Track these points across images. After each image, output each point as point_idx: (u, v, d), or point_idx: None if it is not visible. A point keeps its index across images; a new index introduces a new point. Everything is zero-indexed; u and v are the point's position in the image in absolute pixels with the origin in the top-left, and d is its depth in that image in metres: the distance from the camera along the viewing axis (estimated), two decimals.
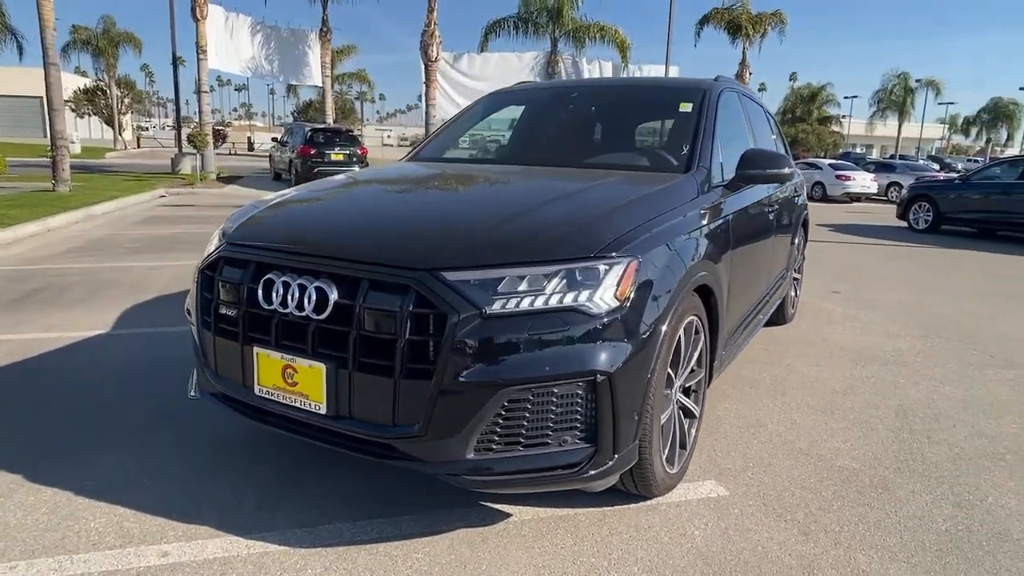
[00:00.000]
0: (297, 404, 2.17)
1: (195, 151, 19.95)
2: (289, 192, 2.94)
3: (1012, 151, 56.23)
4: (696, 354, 2.65)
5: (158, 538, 2.25)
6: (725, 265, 2.86)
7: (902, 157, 34.72)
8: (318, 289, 2.08)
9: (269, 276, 2.17)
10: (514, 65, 26.52)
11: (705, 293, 2.63)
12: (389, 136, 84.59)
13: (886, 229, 13.25)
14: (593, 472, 2.08)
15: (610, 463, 2.10)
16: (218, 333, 2.36)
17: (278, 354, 2.17)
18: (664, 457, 2.43)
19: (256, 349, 2.22)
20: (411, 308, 1.95)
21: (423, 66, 21.41)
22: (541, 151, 3.51)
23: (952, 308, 6.20)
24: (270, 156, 22.07)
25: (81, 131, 39.68)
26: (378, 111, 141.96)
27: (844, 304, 6.17)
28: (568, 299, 1.99)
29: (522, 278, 2.00)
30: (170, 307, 5.25)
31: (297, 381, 2.15)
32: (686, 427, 2.68)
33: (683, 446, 2.65)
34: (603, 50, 28.65)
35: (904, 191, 13.67)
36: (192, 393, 2.63)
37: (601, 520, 2.42)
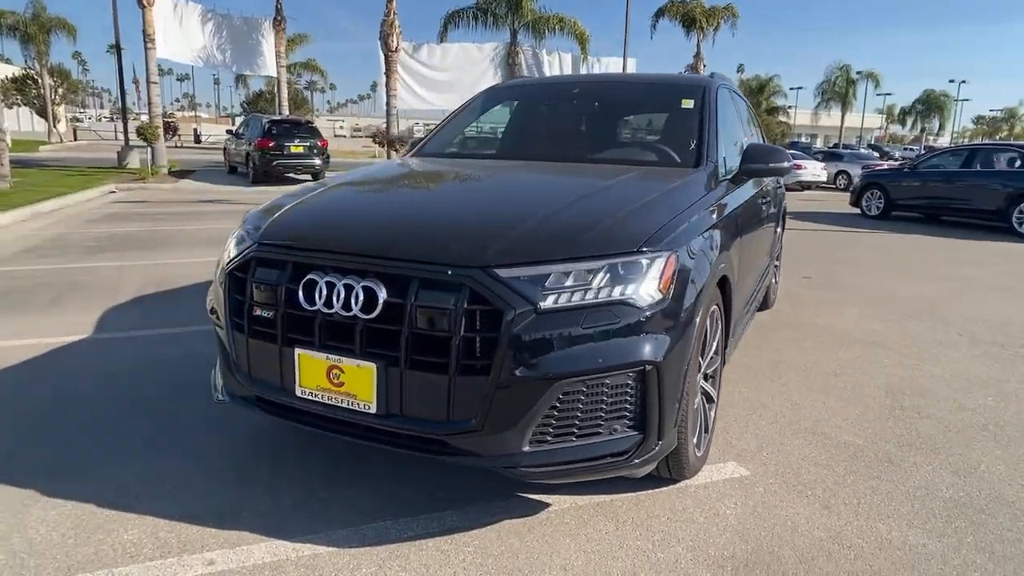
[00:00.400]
0: (344, 404, 2.18)
1: (144, 144, 19.23)
2: (309, 190, 2.92)
3: (944, 140, 58.93)
4: (715, 341, 2.76)
5: (199, 546, 2.23)
6: (735, 255, 2.98)
7: (845, 146, 35.97)
8: (366, 289, 2.09)
9: (311, 277, 2.17)
10: (474, 56, 26.40)
11: (722, 283, 2.74)
12: (341, 127, 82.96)
13: (841, 216, 13.77)
14: (640, 459, 2.16)
15: (655, 449, 2.18)
16: (252, 335, 2.34)
17: (322, 355, 2.18)
18: (693, 441, 2.54)
19: (298, 350, 2.22)
20: (466, 305, 1.99)
21: (383, 56, 21.11)
22: (549, 147, 3.55)
23: (913, 290, 6.53)
24: (225, 149, 21.44)
25: (9, 122, 37.63)
26: (328, 101, 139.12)
27: (816, 289, 6.43)
28: (615, 293, 2.06)
29: (568, 273, 2.05)
30: (150, 309, 5.12)
31: (344, 381, 2.16)
32: (707, 411, 2.79)
33: (706, 430, 2.76)
34: (563, 42, 28.67)
35: (857, 179, 14.23)
36: (220, 397, 2.61)
37: (637, 505, 2.51)
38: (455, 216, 2.46)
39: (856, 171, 19.54)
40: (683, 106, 3.51)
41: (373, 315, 2.08)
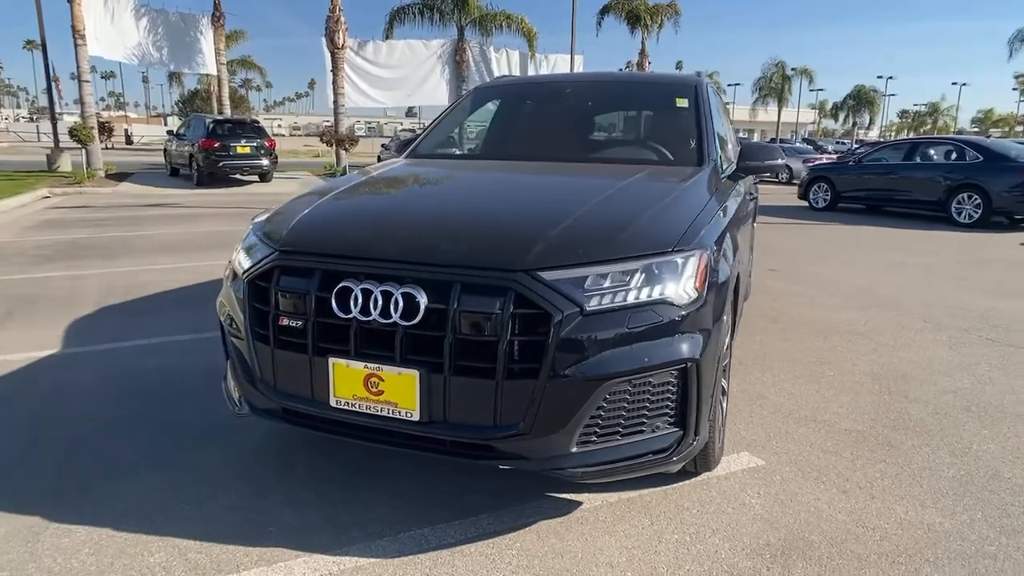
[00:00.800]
0: (384, 413, 2.14)
1: (77, 146, 18.30)
2: (318, 195, 2.84)
3: (873, 133, 61.79)
4: (728, 336, 2.83)
5: (234, 566, 2.16)
6: (741, 250, 3.06)
7: (782, 141, 37.31)
8: (405, 295, 2.06)
9: (345, 284, 2.12)
10: (421, 53, 26.18)
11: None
12: (279, 125, 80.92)
13: (789, 208, 14.27)
14: (680, 455, 2.20)
15: (693, 444, 2.23)
16: (279, 346, 2.27)
17: (360, 363, 2.13)
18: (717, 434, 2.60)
19: (332, 360, 2.17)
20: (512, 309, 1.98)
21: (328, 53, 20.71)
22: (550, 147, 3.56)
23: (872, 280, 6.83)
24: (165, 150, 20.61)
25: None
26: (265, 100, 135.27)
27: (784, 281, 6.66)
28: (655, 292, 2.09)
29: (605, 275, 2.07)
30: (120, 320, 4.90)
31: (383, 390, 2.12)
32: (723, 404, 2.86)
33: (722, 423, 2.83)
34: (510, 39, 28.75)
35: (804, 173, 14.77)
36: (240, 411, 2.52)
37: (666, 499, 2.56)
38: (489, 220, 2.44)
39: (796, 165, 20.24)
40: (678, 105, 3.58)
41: (414, 322, 2.05)
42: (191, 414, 3.25)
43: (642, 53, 31.18)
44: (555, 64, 31.81)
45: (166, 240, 8.64)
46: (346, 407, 2.19)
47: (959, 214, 11.34)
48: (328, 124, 26.18)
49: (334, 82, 21.17)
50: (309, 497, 2.55)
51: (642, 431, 2.14)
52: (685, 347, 2.12)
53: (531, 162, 3.36)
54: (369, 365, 2.12)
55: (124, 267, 6.81)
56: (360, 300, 2.10)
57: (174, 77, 54.02)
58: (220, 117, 18.73)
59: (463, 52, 27.85)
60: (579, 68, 30.05)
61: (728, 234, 2.70)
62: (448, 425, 2.10)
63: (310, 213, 2.56)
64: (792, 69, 50.77)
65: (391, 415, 2.14)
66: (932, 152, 12.40)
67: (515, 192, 2.86)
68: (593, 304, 2.02)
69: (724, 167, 3.30)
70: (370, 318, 2.09)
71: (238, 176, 17.90)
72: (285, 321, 2.25)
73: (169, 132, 21.91)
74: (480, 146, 3.74)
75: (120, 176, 18.45)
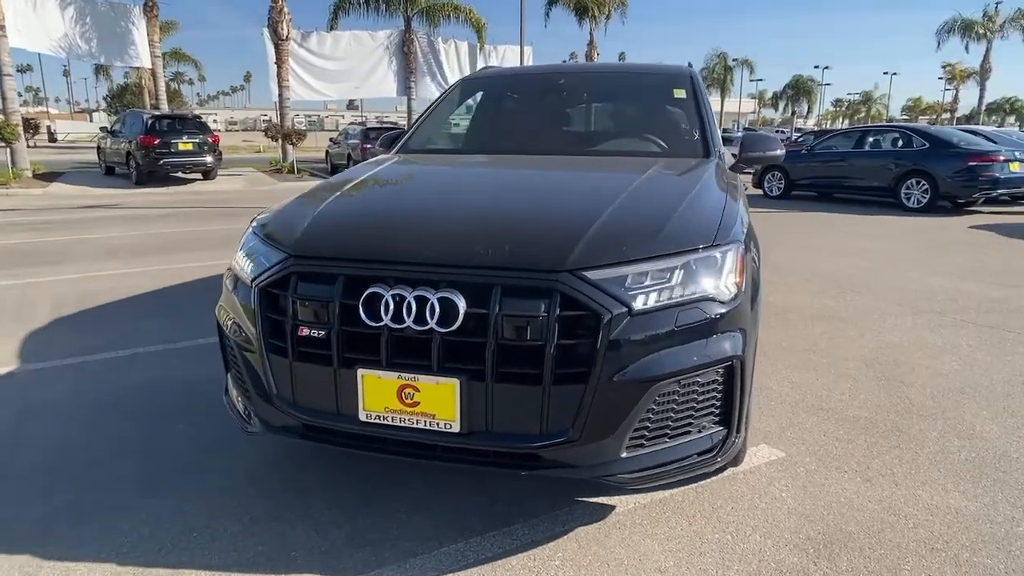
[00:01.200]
0: (421, 425, 2.02)
1: (2, 144, 17.16)
2: (320, 195, 2.67)
3: (811, 122, 63.92)
4: None
5: None
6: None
7: (724, 130, 38.15)
8: (442, 300, 1.93)
9: (374, 290, 1.98)
10: (367, 44, 25.62)
11: None
12: (215, 120, 78.05)
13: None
14: (724, 454, 2.15)
15: (735, 441, 2.18)
16: (298, 358, 2.12)
17: (392, 374, 2.00)
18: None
19: (361, 371, 2.03)
20: (559, 311, 1.89)
21: (271, 45, 20.03)
22: (551, 141, 3.46)
23: (840, 265, 7.01)
24: (98, 148, 19.58)
25: None
26: (198, 94, 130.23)
27: None
28: (699, 289, 2.03)
29: (647, 273, 2.00)
30: (80, 332, 4.57)
31: (419, 401, 2.00)
32: None
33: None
34: (458, 29, 28.47)
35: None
36: (251, 428, 2.35)
37: (697, 498, 2.51)
38: (524, 219, 2.32)
39: None
40: (676, 96, 3.54)
41: (453, 328, 1.93)
42: (181, 434, 3.04)
43: (590, 44, 31.35)
44: (504, 55, 31.67)
45: (116, 244, 8.16)
46: (377, 421, 2.05)
47: (908, 199, 11.79)
48: (267, 118, 25.35)
49: (278, 75, 20.50)
50: (329, 516, 2.40)
51: (689, 432, 2.08)
52: (729, 344, 2.07)
53: (537, 156, 3.26)
54: (403, 375, 1.99)
55: (73, 274, 6.39)
56: (392, 307, 1.97)
57: (101, 71, 51.39)
58: (159, 112, 17.88)
59: (410, 43, 27.39)
60: (528, 60, 29.98)
61: (750, 226, 2.66)
62: (491, 435, 1.99)
63: (323, 214, 2.40)
64: (733, 60, 52.06)
65: (428, 427, 2.01)
66: (881, 140, 12.84)
67: (537, 189, 2.75)
68: (639, 303, 1.94)
69: (725, 159, 3.28)
70: (403, 326, 1.96)
71: (180, 174, 17.14)
72: (305, 332, 2.10)
73: (103, 129, 20.77)
74: (477, 140, 3.61)
75: (49, 176, 17.39)
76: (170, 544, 2.24)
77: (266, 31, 20.77)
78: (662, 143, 3.33)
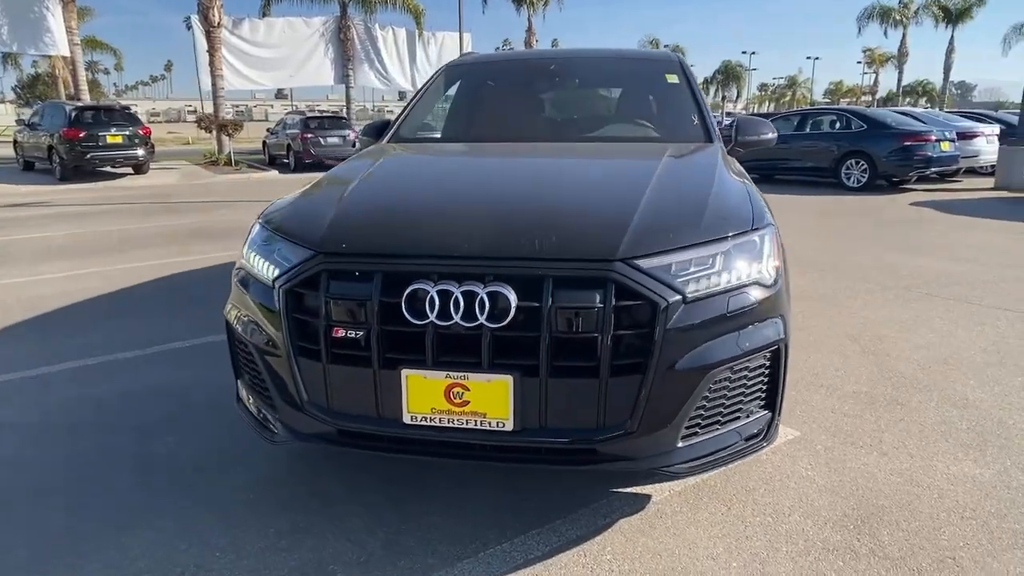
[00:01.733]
0: (471, 425, 1.94)
1: None
2: (338, 185, 2.53)
3: (740, 106, 65.82)
4: None
5: None
6: None
7: None
8: (492, 295, 1.85)
9: (418, 286, 1.88)
10: (302, 31, 24.82)
11: None
12: (136, 111, 74.08)
13: None
14: (770, 438, 2.16)
15: (778, 423, 2.19)
16: (333, 361, 2.00)
17: (440, 373, 1.91)
18: None
19: (405, 372, 1.93)
20: (615, 301, 1.84)
21: (202, 32, 19.11)
22: (551, 127, 3.39)
23: (796, 244, 7.19)
24: (15, 142, 18.28)
25: None
26: (115, 84, 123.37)
27: None
28: (744, 274, 2.02)
29: (692, 260, 1.97)
30: (36, 340, 4.25)
31: (469, 400, 1.92)
32: None
33: None
34: (396, 16, 27.79)
35: None
36: (278, 437, 2.21)
37: (728, 482, 2.52)
38: (563, 207, 2.24)
39: None
40: (669, 81, 3.53)
41: (504, 323, 1.85)
42: (177, 446, 2.85)
43: (528, 31, 31.28)
44: (443, 42, 31.22)
45: (54, 244, 7.63)
46: (423, 423, 1.96)
47: (848, 179, 12.28)
48: (192, 109, 24.18)
49: (211, 63, 19.55)
50: (360, 523, 2.29)
51: (739, 417, 2.08)
52: (775, 328, 2.07)
53: (545, 143, 3.19)
54: (451, 374, 1.91)
55: (15, 278, 5.93)
56: (437, 303, 1.87)
57: (9, 59, 47.93)
58: (83, 103, 16.82)
59: (347, 30, 26.67)
60: (468, 46, 29.65)
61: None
62: (545, 431, 1.93)
63: (348, 208, 2.27)
64: (665, 46, 52.89)
65: (479, 426, 1.93)
66: (821, 122, 13.32)
67: (565, 178, 2.67)
68: (691, 290, 1.91)
69: None
70: (450, 322, 1.87)
71: (109, 169, 16.19)
72: (340, 333, 1.98)
73: (19, 121, 19.36)
74: (474, 127, 3.49)
75: None
76: (194, 567, 2.09)
77: (195, 18, 19.81)
78: (664, 129, 3.31)
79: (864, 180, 12.07)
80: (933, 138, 11.64)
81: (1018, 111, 13.04)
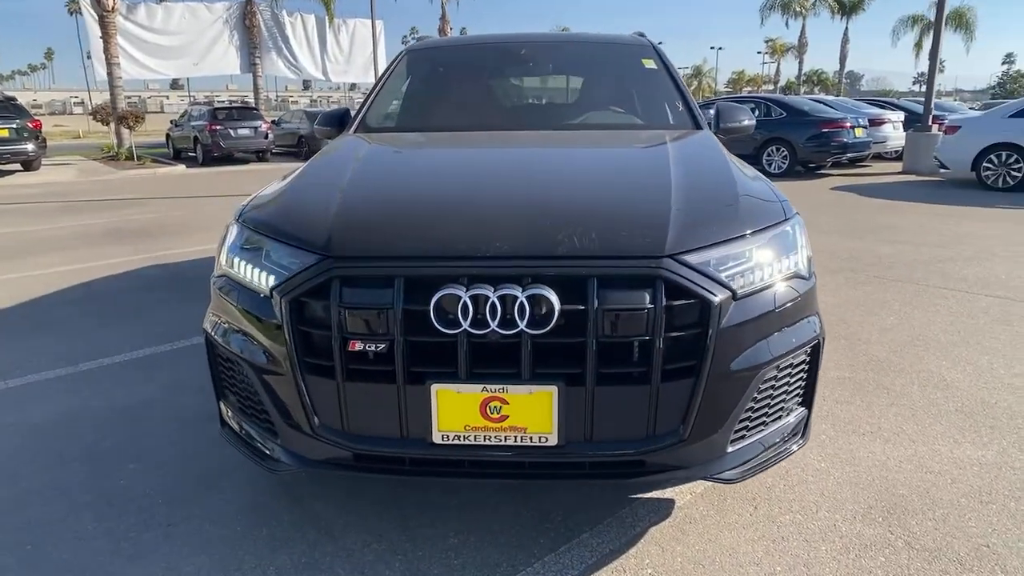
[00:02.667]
0: (510, 442, 1.75)
1: None
2: (326, 179, 2.26)
3: None
4: None
5: None
6: None
7: None
8: (532, 298, 1.67)
9: (449, 291, 1.67)
10: (204, 17, 23.48)
11: None
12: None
13: None
14: (807, 435, 2.09)
15: (811, 419, 2.12)
16: (351, 378, 1.76)
17: (475, 386, 1.71)
18: None
19: (434, 386, 1.72)
20: (665, 301, 1.69)
21: (95, 18, 17.64)
22: (533, 115, 3.20)
23: None
24: None
25: None
26: None
27: None
28: (783, 267, 1.92)
29: (733, 255, 1.86)
30: None
31: (507, 414, 1.73)
32: None
33: None
34: (304, 2, 26.71)
35: None
36: (282, 465, 1.94)
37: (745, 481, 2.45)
38: (593, 201, 2.05)
39: None
40: (647, 66, 3.42)
41: (547, 329, 1.67)
42: (139, 476, 2.50)
43: (443, 19, 30.86)
44: (355, 29, 30.29)
45: None
46: (455, 442, 1.76)
47: (770, 165, 12.74)
48: (79, 100, 22.35)
49: (106, 51, 18.05)
50: (373, 552, 2.06)
51: (781, 416, 1.99)
52: (815, 321, 2.01)
53: (534, 132, 3.01)
54: (488, 387, 1.71)
55: None
56: (471, 310, 1.67)
57: None
58: None
59: (252, 16, 25.44)
60: (380, 34, 28.89)
61: None
62: (591, 444, 1.77)
63: (353, 204, 2.02)
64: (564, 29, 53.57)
65: (519, 443, 1.75)
66: None
67: (581, 168, 2.48)
68: (739, 286, 1.80)
69: None
70: (486, 330, 1.67)
71: None
72: (358, 346, 1.74)
73: None
74: (452, 116, 3.23)
75: None
76: None
77: (85, 2, 18.26)
78: (651, 116, 3.20)
79: (784, 166, 12.56)
80: (848, 125, 12.25)
81: (915, 100, 13.93)
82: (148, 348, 3.81)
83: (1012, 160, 9.93)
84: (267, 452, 1.97)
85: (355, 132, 3.14)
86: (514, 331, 1.67)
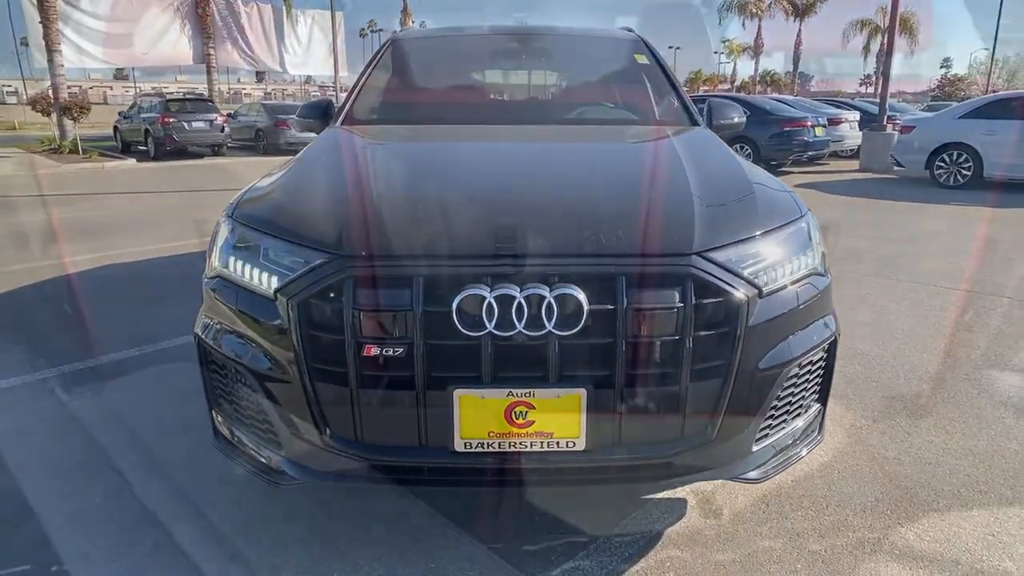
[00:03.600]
0: (536, 448, 1.68)
1: None
2: (326, 172, 2.14)
3: None
4: None
5: None
6: None
7: None
8: (560, 298, 1.60)
9: (473, 292, 1.59)
10: (152, 5, 22.64)
11: None
12: None
13: None
14: (822, 431, 2.08)
15: (825, 415, 2.12)
16: (365, 384, 1.67)
17: (501, 391, 1.64)
18: None
19: (457, 392, 1.64)
20: (695, 300, 1.65)
21: (34, 2, 16.78)
22: (526, 109, 3.12)
23: None
24: None
25: None
26: None
27: None
28: (803, 264, 1.91)
29: (756, 252, 1.83)
30: None
31: (533, 419, 1.66)
32: None
33: None
34: None
35: None
36: (289, 479, 1.82)
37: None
38: (618, 197, 1.99)
39: None
40: (639, 61, 3.38)
41: (575, 330, 1.61)
42: (105, 495, 2.35)
43: (404, 11, 30.52)
44: (312, 20, 29.69)
45: None
46: (478, 450, 1.68)
47: None
48: (12, 89, 21.32)
49: (46, 38, 17.21)
50: (388, 568, 1.96)
51: (800, 414, 1.98)
52: (832, 319, 2.00)
53: (532, 126, 2.94)
54: (514, 392, 1.64)
55: None
56: (496, 311, 1.59)
57: None
58: None
59: (206, 4, 24.68)
60: (340, 26, 28.40)
61: None
62: (619, 448, 1.72)
63: (363, 199, 1.91)
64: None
65: (545, 448, 1.69)
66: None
67: (595, 164, 2.41)
68: (764, 283, 1.77)
69: None
70: (512, 332, 1.60)
71: None
72: (373, 351, 1.65)
73: None
74: (442, 109, 3.12)
75: None
76: None
77: None
78: (648, 111, 3.16)
79: None
80: (809, 124, 12.52)
81: (868, 100, 14.34)
82: (116, 354, 3.61)
83: (963, 159, 10.31)
84: (269, 464, 1.85)
85: (342, 124, 3.01)
86: (542, 332, 1.60)
